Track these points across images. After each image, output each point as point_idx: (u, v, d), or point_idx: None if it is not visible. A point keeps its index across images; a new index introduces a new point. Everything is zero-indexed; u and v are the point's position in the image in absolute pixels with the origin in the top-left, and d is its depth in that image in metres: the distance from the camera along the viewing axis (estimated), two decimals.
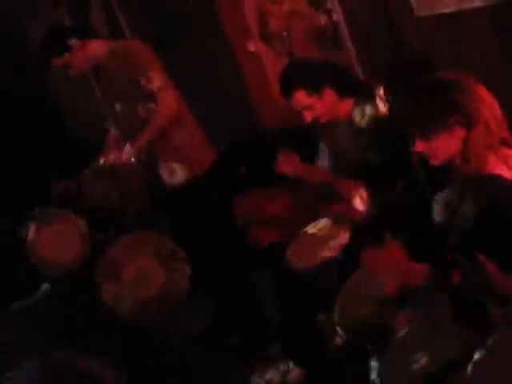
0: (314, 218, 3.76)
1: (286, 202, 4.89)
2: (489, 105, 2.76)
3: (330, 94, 3.59)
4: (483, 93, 2.78)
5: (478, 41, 4.05)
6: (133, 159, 4.29)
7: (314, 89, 3.56)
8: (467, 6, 4.12)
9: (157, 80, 4.29)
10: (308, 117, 3.61)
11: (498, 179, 2.52)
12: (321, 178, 3.84)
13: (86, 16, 6.49)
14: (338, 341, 2.97)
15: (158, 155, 4.42)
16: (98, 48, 4.43)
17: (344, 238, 3.44)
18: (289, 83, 3.60)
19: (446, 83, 2.79)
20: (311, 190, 4.02)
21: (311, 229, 3.69)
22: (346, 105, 3.65)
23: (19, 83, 6.39)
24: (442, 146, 2.77)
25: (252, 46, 5.57)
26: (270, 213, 4.97)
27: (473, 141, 2.73)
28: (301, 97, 3.57)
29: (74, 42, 4.32)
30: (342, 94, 3.63)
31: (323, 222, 3.67)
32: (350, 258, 3.32)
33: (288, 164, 3.83)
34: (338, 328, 2.96)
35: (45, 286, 4.69)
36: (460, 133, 2.73)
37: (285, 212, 4.86)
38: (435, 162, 2.83)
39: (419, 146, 2.80)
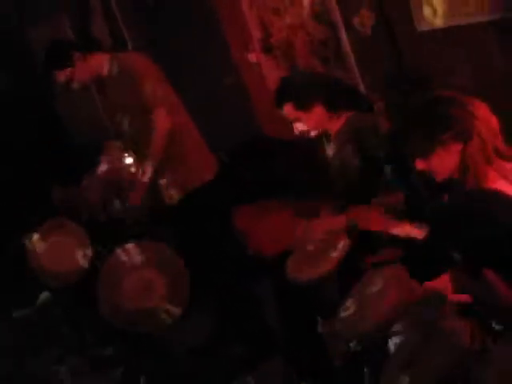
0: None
1: (287, 214, 4.92)
2: (484, 118, 2.78)
3: (318, 111, 3.63)
4: (478, 107, 2.80)
5: (480, 55, 4.07)
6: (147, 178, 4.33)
7: (302, 104, 3.61)
8: (469, 21, 4.16)
9: (152, 97, 4.33)
10: (296, 129, 3.66)
11: (495, 194, 2.57)
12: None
13: (87, 23, 6.52)
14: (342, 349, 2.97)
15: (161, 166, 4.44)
16: (99, 61, 4.48)
17: (343, 250, 3.44)
18: (280, 95, 3.66)
19: (441, 100, 2.83)
20: (313, 204, 4.05)
21: (311, 241, 3.68)
22: (339, 120, 3.69)
23: (21, 89, 6.41)
24: (440, 163, 2.79)
25: (253, 58, 5.59)
26: (271, 225, 5.01)
27: (469, 154, 2.75)
28: (289, 110, 3.64)
29: (76, 55, 4.36)
30: (337, 109, 3.66)
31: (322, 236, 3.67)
32: (349, 269, 3.33)
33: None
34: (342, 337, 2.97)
35: (44, 296, 4.72)
36: (456, 147, 2.76)
37: (286, 224, 4.89)
38: (437, 178, 2.85)
39: (419, 164, 2.83)
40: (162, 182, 4.48)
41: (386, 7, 4.41)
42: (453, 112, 2.75)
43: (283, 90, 3.68)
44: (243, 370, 4.32)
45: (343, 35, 4.76)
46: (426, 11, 4.30)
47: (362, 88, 4.66)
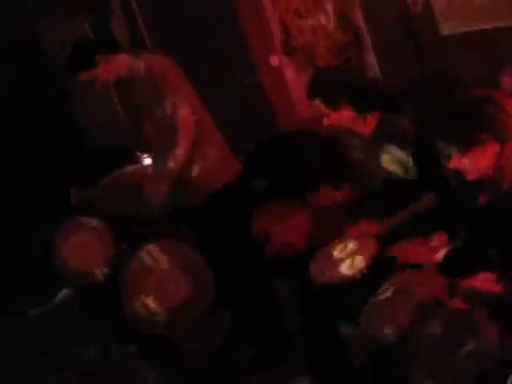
0: (336, 235, 3.76)
1: (307, 217, 4.91)
2: None
3: (346, 111, 3.62)
4: None
5: (503, 59, 4.06)
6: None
7: (330, 102, 3.61)
8: (491, 25, 4.16)
9: (175, 100, 4.33)
10: (326, 122, 3.66)
11: None
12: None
13: (107, 23, 6.53)
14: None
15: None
16: (121, 62, 4.47)
17: (367, 258, 3.44)
18: (312, 89, 3.67)
19: (478, 99, 2.79)
20: (334, 207, 4.05)
21: (335, 246, 3.68)
22: (370, 121, 3.68)
23: (39, 90, 6.42)
24: (475, 162, 2.76)
25: (275, 61, 5.59)
26: (290, 227, 5.00)
27: (506, 156, 2.72)
28: (319, 104, 3.64)
29: (99, 56, 4.37)
30: (363, 110, 3.65)
31: (348, 241, 3.67)
32: (373, 275, 3.32)
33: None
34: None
35: (63, 293, 4.72)
36: (493, 148, 2.73)
37: (305, 227, 4.88)
38: (470, 177, 2.83)
39: (454, 162, 2.79)
40: (185, 181, 4.48)
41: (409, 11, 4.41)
42: (491, 112, 2.73)
43: (314, 84, 3.69)
44: (258, 372, 4.31)
45: (366, 37, 4.75)
46: (449, 15, 4.31)
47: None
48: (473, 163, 2.77)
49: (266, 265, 4.63)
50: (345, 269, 3.44)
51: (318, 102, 3.63)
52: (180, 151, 4.36)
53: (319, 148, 4.76)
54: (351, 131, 3.75)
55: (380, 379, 3.17)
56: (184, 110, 4.33)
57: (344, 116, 3.63)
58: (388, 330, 2.86)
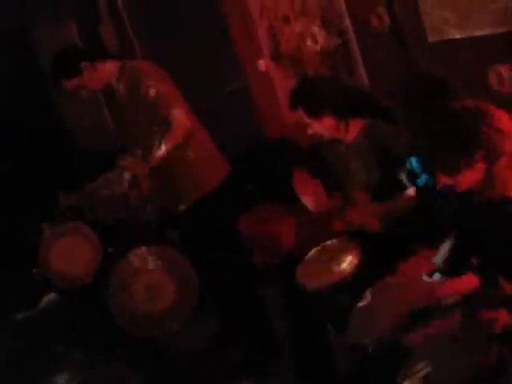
0: (320, 239, 3.77)
1: (290, 222, 4.93)
2: (510, 132, 2.71)
3: (328, 120, 3.65)
4: (504, 120, 2.74)
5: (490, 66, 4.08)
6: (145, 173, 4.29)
7: (311, 112, 3.64)
8: (479, 33, 4.18)
9: (167, 102, 4.30)
10: (309, 130, 3.70)
11: None
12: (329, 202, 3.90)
13: (95, 27, 6.53)
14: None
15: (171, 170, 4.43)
16: (108, 69, 4.44)
17: (354, 260, 3.45)
18: (293, 98, 3.70)
19: (468, 114, 2.73)
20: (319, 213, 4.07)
21: (321, 250, 3.69)
22: (355, 128, 3.70)
23: (27, 93, 6.42)
24: (465, 179, 2.74)
25: (262, 66, 5.60)
26: (274, 234, 5.02)
27: (499, 172, 2.70)
28: (301, 114, 3.68)
29: (83, 64, 4.35)
30: (349, 118, 3.67)
31: (334, 244, 3.68)
32: (361, 278, 3.33)
33: (304, 184, 3.89)
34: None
35: (48, 298, 4.72)
36: (482, 165, 2.69)
37: (289, 233, 4.90)
38: (459, 190, 2.81)
39: (443, 179, 2.77)
40: (173, 187, 4.47)
41: (397, 16, 4.42)
42: (481, 130, 2.68)
43: (296, 94, 3.70)
44: (245, 374, 4.32)
45: (353, 44, 4.77)
46: (438, 21, 4.32)
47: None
48: (462, 180, 2.75)
49: (253, 268, 4.67)
50: (337, 266, 3.45)
51: (300, 111, 3.67)
52: (163, 150, 4.31)
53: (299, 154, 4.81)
54: (335, 139, 3.77)
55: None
56: (178, 110, 4.30)
57: (326, 124, 3.66)
58: (367, 339, 2.87)
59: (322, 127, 3.67)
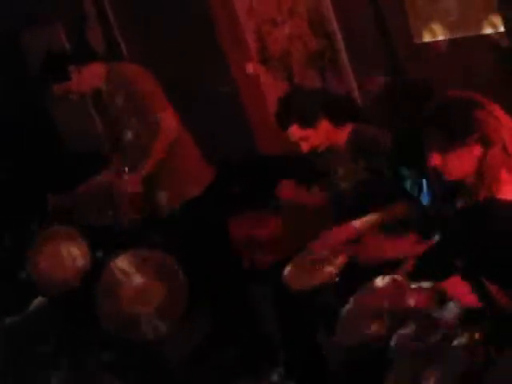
0: (307, 240, 3.77)
1: (277, 225, 4.95)
2: (507, 125, 2.70)
3: (324, 124, 3.63)
4: (501, 112, 2.73)
5: (478, 67, 4.09)
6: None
7: (308, 122, 3.60)
8: (464, 34, 4.20)
9: (155, 105, 4.32)
10: (304, 147, 3.65)
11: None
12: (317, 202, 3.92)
13: (82, 29, 6.53)
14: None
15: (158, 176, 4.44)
16: (96, 72, 4.45)
17: (341, 261, 3.45)
18: (283, 117, 3.64)
19: (465, 100, 2.73)
20: (303, 213, 4.07)
21: (308, 251, 3.69)
22: (344, 132, 3.70)
23: (16, 96, 6.42)
24: (458, 163, 2.70)
25: (250, 69, 5.61)
26: (262, 237, 5.03)
27: (489, 161, 2.66)
28: (295, 130, 3.61)
29: (71, 68, 4.35)
30: (339, 122, 3.67)
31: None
32: (348, 279, 3.34)
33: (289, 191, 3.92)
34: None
35: (37, 302, 4.71)
36: (477, 151, 2.67)
37: (276, 235, 4.92)
38: (448, 177, 2.77)
39: (435, 159, 2.73)
40: (159, 191, 4.47)
41: (384, 19, 4.43)
42: (478, 114, 2.67)
43: (285, 111, 3.64)
44: (237, 376, 4.32)
45: (340, 45, 4.78)
46: (425, 23, 4.34)
47: (359, 99, 4.69)
48: (454, 163, 2.70)
49: (242, 270, 4.68)
50: (321, 273, 3.46)
51: (292, 129, 3.61)
52: (153, 155, 4.33)
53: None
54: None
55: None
56: (166, 113, 4.32)
57: (324, 129, 3.64)
58: (353, 342, 2.88)
59: (320, 134, 3.63)
